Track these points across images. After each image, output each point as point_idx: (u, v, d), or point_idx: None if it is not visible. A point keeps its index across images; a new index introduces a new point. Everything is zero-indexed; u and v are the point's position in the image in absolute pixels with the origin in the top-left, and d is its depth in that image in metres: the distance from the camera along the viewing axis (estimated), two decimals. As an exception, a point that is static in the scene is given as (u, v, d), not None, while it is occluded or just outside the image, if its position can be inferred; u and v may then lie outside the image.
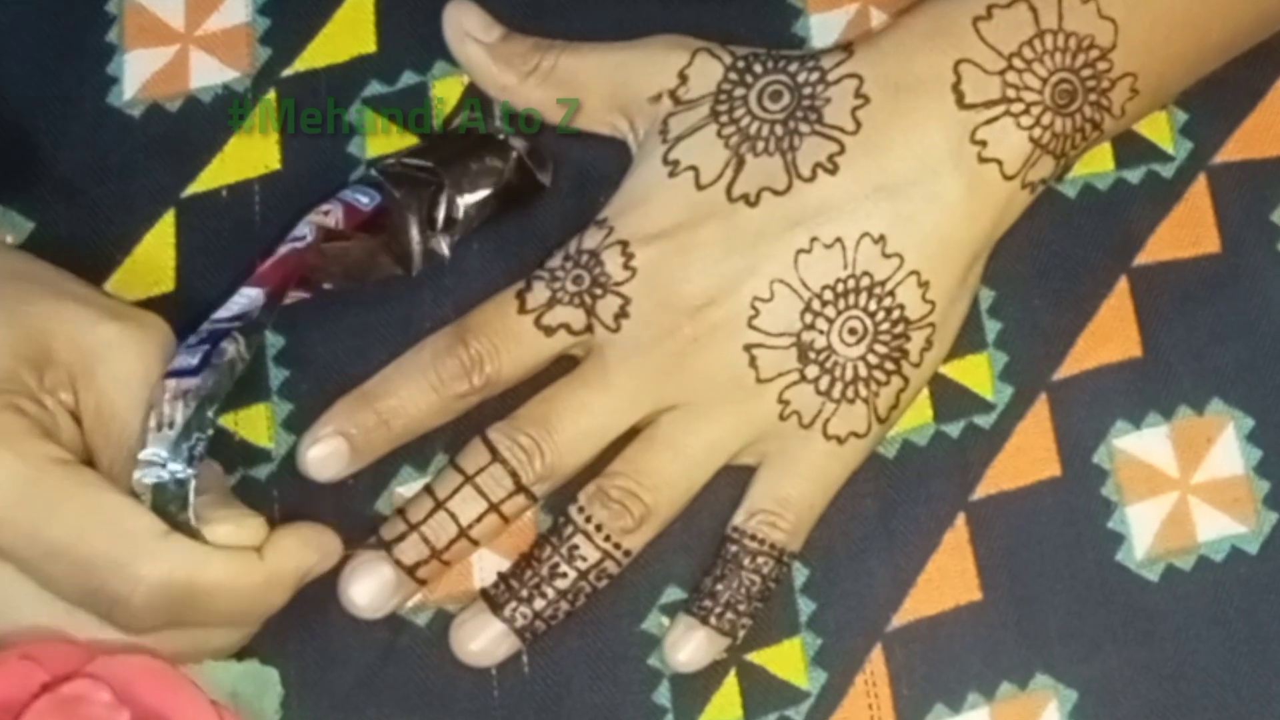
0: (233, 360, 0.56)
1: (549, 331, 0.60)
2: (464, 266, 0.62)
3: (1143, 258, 0.64)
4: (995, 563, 0.61)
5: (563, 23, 0.64)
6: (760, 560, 0.59)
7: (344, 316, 0.62)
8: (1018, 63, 0.60)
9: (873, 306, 0.60)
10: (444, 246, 0.62)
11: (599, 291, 0.60)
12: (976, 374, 0.63)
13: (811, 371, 0.60)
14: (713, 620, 0.59)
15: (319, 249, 0.60)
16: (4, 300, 0.56)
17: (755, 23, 0.65)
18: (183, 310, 0.60)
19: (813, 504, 0.60)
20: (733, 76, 0.62)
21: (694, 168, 0.61)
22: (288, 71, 0.65)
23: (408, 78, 0.65)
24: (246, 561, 0.55)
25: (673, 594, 0.61)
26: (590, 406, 0.60)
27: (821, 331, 0.60)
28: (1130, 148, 0.65)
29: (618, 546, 0.59)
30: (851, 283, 0.60)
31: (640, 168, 0.62)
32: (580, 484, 0.60)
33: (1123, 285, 0.63)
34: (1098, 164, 0.64)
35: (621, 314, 0.60)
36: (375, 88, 0.65)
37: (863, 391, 0.60)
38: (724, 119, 0.61)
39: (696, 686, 0.60)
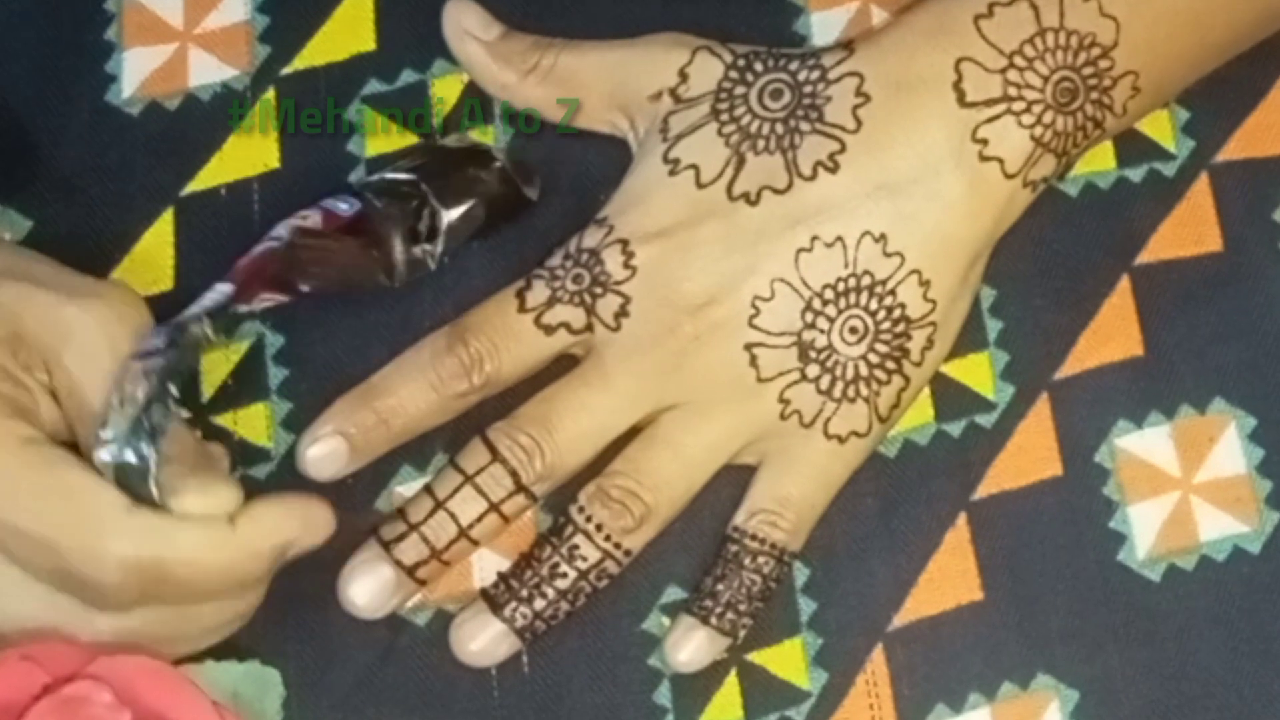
0: (198, 340, 0.56)
1: (549, 330, 0.60)
2: (464, 266, 0.62)
3: (1144, 256, 0.64)
4: (997, 562, 0.61)
5: (563, 21, 0.64)
6: (761, 560, 0.59)
7: (344, 316, 0.62)
8: (1019, 61, 0.60)
9: (874, 305, 0.60)
10: (428, 258, 0.62)
11: (599, 290, 0.60)
12: (978, 373, 0.63)
13: (812, 370, 0.60)
14: (713, 620, 0.59)
15: (294, 245, 0.59)
16: None
17: (756, 21, 0.65)
18: (182, 309, 0.59)
19: (814, 503, 0.60)
20: (733, 75, 0.62)
21: (694, 166, 0.61)
22: (287, 70, 0.65)
23: (407, 76, 0.65)
24: (216, 532, 0.54)
25: (673, 594, 0.60)
26: (590, 406, 0.60)
27: (822, 330, 0.60)
28: (1132, 146, 0.64)
29: (618, 546, 0.59)
30: (852, 281, 0.60)
31: (640, 166, 0.62)
32: (580, 484, 0.60)
33: (1124, 284, 0.63)
34: (1099, 162, 0.64)
35: (622, 313, 0.60)
36: (374, 86, 0.64)
37: (864, 391, 0.60)
38: (724, 117, 0.61)
39: (697, 686, 0.60)
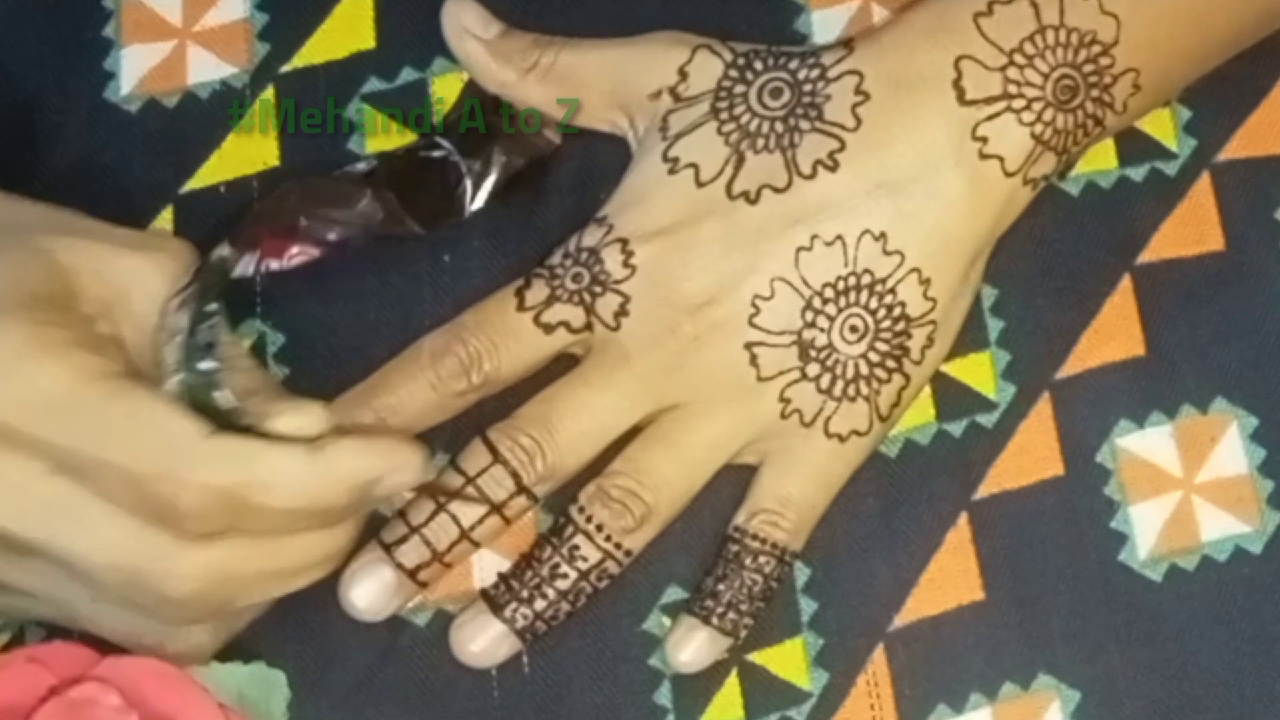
0: (222, 259, 0.56)
1: (548, 329, 0.60)
2: (464, 266, 0.62)
3: (1146, 256, 0.64)
4: (998, 562, 0.61)
5: (563, 19, 0.64)
6: (762, 560, 0.59)
7: (344, 314, 0.62)
8: (1019, 59, 0.60)
9: (874, 304, 0.60)
10: (465, 196, 0.62)
11: (599, 289, 0.60)
12: (979, 372, 0.62)
13: (812, 370, 0.60)
14: (714, 620, 0.59)
15: (293, 186, 0.60)
16: (19, 242, 0.55)
17: (756, 19, 0.65)
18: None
19: (814, 503, 0.60)
20: (733, 73, 0.61)
21: (694, 165, 0.60)
22: (286, 68, 0.64)
23: (407, 74, 0.64)
24: (297, 458, 0.53)
25: (674, 594, 0.60)
26: (591, 406, 0.59)
27: (822, 329, 0.59)
28: (1133, 145, 0.64)
29: (618, 546, 0.59)
30: (852, 280, 0.60)
31: (640, 165, 0.62)
32: (580, 484, 0.59)
33: (1126, 283, 0.63)
34: (1101, 161, 0.64)
35: (621, 312, 0.60)
36: (374, 84, 0.64)
37: (864, 390, 0.60)
38: (724, 116, 0.61)
39: (698, 687, 0.60)
